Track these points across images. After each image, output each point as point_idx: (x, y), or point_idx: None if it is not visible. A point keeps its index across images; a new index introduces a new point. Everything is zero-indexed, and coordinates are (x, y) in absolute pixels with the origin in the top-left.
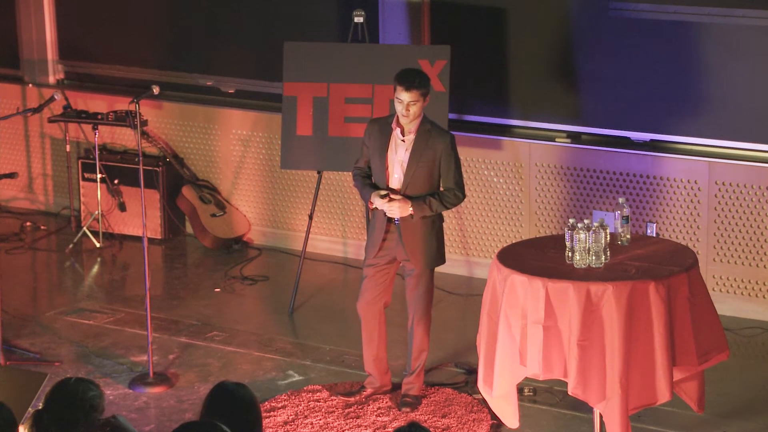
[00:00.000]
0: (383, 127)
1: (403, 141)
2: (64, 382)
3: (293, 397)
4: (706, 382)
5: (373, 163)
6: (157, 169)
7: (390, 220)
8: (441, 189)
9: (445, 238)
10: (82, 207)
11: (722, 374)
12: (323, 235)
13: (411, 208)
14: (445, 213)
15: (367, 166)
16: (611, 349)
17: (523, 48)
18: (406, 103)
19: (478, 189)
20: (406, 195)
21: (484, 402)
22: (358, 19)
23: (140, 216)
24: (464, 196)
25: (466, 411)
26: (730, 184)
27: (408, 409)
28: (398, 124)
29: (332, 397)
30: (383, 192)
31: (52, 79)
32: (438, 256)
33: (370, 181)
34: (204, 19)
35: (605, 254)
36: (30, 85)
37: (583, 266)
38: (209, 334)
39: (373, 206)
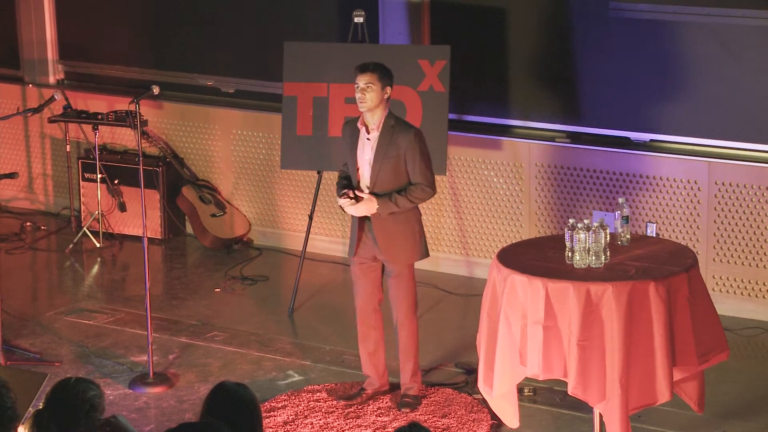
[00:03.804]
0: (353, 127)
1: (369, 139)
2: (64, 382)
3: (293, 397)
4: (706, 382)
5: (349, 164)
6: (157, 169)
7: (363, 218)
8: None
9: (445, 238)
10: (82, 207)
11: (722, 374)
12: (323, 235)
13: (377, 207)
14: (444, 213)
15: (346, 168)
16: (611, 349)
17: (523, 48)
18: (361, 87)
19: (478, 189)
20: (374, 193)
21: (484, 402)
22: (358, 19)
23: (140, 216)
24: (434, 191)
25: (466, 411)
26: (730, 184)
27: (408, 410)
28: (363, 123)
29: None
30: (343, 192)
31: (52, 79)
32: (416, 250)
33: (345, 181)
34: (204, 19)
35: (605, 254)
36: (30, 85)
37: (583, 266)
38: (209, 334)
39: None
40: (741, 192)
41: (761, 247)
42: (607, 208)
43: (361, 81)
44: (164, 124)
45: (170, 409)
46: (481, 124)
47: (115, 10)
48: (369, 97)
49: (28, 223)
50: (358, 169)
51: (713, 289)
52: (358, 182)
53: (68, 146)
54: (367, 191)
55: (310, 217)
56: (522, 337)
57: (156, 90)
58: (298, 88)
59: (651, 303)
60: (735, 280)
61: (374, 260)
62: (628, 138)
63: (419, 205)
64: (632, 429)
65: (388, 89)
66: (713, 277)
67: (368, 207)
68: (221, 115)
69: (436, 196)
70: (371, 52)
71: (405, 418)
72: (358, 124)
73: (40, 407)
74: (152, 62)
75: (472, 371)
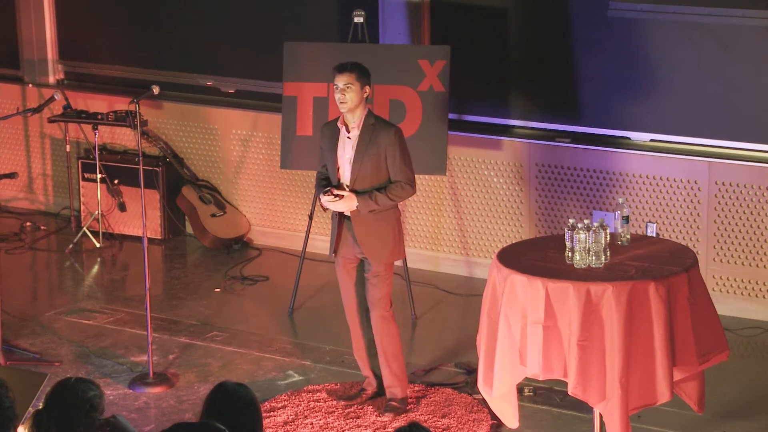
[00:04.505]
0: (333, 128)
1: (349, 138)
2: (64, 382)
3: (293, 397)
4: (706, 382)
5: (327, 164)
6: (157, 169)
7: (343, 217)
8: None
9: (445, 238)
10: (82, 207)
11: (722, 374)
12: (323, 235)
13: (356, 203)
14: (444, 213)
15: (325, 169)
16: (611, 349)
17: (523, 48)
18: (341, 87)
19: (478, 189)
20: (354, 190)
21: (484, 402)
22: (358, 19)
23: (140, 216)
24: (414, 189)
25: (466, 411)
26: (730, 184)
27: (392, 414)
28: (343, 122)
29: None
30: (326, 189)
31: (52, 79)
32: (395, 250)
33: (325, 182)
34: (204, 19)
35: (605, 254)
36: (30, 85)
37: (583, 266)
38: (209, 334)
39: (324, 207)
40: (741, 192)
41: (761, 247)
42: (607, 208)
43: (340, 81)
44: (164, 124)
45: (170, 409)
46: (481, 124)
47: (115, 10)
48: (349, 97)
49: (28, 223)
50: (338, 169)
51: (713, 289)
52: (338, 181)
53: (68, 146)
54: (347, 189)
55: (310, 217)
56: (522, 337)
57: (156, 90)
58: (298, 88)
59: (651, 303)
60: (735, 280)
61: (356, 259)
62: (628, 138)
63: (399, 207)
64: (632, 429)
65: (367, 88)
66: (713, 277)
67: (348, 204)
68: (221, 115)
69: (436, 196)
70: (371, 52)
71: (405, 418)
72: (338, 124)
73: (40, 407)
74: (152, 62)
75: (472, 371)
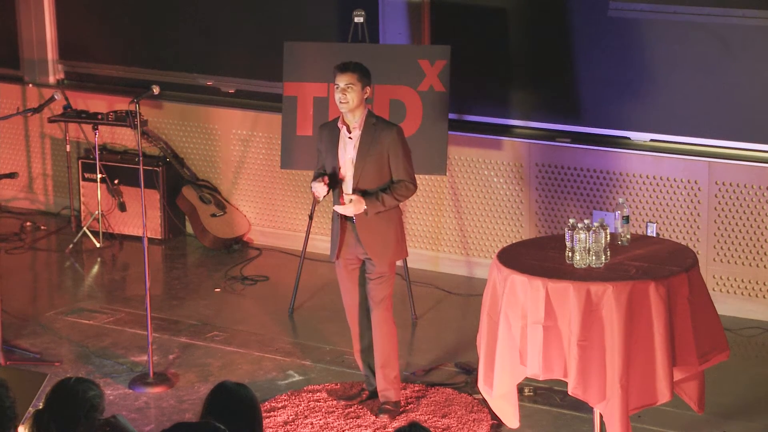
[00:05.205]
0: (332, 128)
1: (350, 138)
2: (64, 382)
3: (293, 397)
4: (706, 382)
5: (327, 165)
6: (157, 169)
7: (346, 218)
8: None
9: (446, 238)
10: (82, 207)
11: (722, 374)
12: (323, 235)
13: (365, 206)
14: (444, 213)
15: (323, 170)
16: (611, 349)
17: (523, 48)
18: (342, 87)
19: (478, 189)
20: (357, 191)
21: (484, 402)
22: (358, 19)
23: (140, 216)
24: (415, 188)
25: (466, 411)
26: (730, 184)
27: (387, 416)
28: (344, 122)
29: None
30: (322, 181)
31: (52, 79)
32: (399, 249)
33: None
34: (204, 19)
35: (605, 254)
36: (30, 85)
37: (583, 266)
38: (209, 334)
39: (319, 198)
40: (741, 192)
41: (761, 247)
42: (607, 208)
43: (342, 81)
44: (164, 124)
45: (170, 409)
46: (482, 124)
47: (115, 10)
48: (350, 97)
49: (28, 223)
50: (339, 169)
51: (713, 289)
52: (340, 182)
53: (68, 146)
54: (350, 191)
55: (310, 217)
56: (522, 337)
57: (156, 90)
58: (298, 88)
59: (651, 303)
60: (735, 280)
61: (357, 260)
62: (628, 138)
63: (400, 206)
64: (632, 429)
65: (368, 89)
66: (713, 277)
67: (356, 207)
68: (221, 115)
69: (436, 196)
70: (371, 52)
71: (405, 418)
72: (339, 124)
73: (40, 407)
74: (152, 62)
75: (472, 371)
